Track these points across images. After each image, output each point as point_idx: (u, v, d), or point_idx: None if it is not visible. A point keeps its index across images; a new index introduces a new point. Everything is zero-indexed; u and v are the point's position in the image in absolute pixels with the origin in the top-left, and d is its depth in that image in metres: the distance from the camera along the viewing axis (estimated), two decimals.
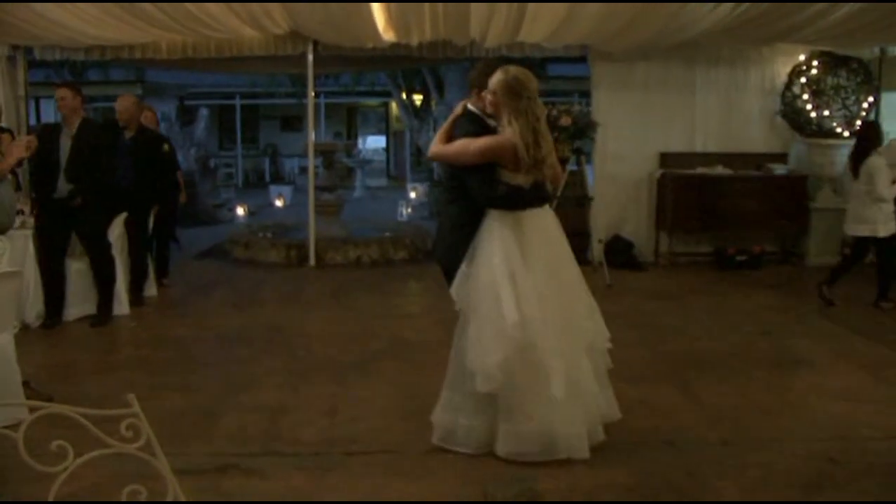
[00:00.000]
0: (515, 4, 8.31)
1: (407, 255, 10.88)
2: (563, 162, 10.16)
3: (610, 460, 4.31)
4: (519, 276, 4.21)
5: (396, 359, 6.31)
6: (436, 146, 4.52)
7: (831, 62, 10.11)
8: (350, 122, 29.18)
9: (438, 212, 10.15)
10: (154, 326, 7.51)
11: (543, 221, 4.42)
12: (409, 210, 16.06)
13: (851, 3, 7.87)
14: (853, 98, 10.06)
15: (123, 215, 7.75)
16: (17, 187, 7.09)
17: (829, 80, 10.09)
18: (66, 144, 7.11)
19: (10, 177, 5.69)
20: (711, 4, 8.10)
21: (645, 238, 10.52)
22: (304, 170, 19.11)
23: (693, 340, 6.89)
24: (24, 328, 6.94)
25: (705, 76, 10.47)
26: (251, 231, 12.05)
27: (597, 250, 9.64)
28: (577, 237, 9.87)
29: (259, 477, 4.15)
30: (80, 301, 7.46)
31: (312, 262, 10.34)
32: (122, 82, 19.08)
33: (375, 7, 8.50)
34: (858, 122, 10.03)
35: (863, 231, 7.88)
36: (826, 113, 10.03)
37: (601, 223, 9.92)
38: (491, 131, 4.36)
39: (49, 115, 18.53)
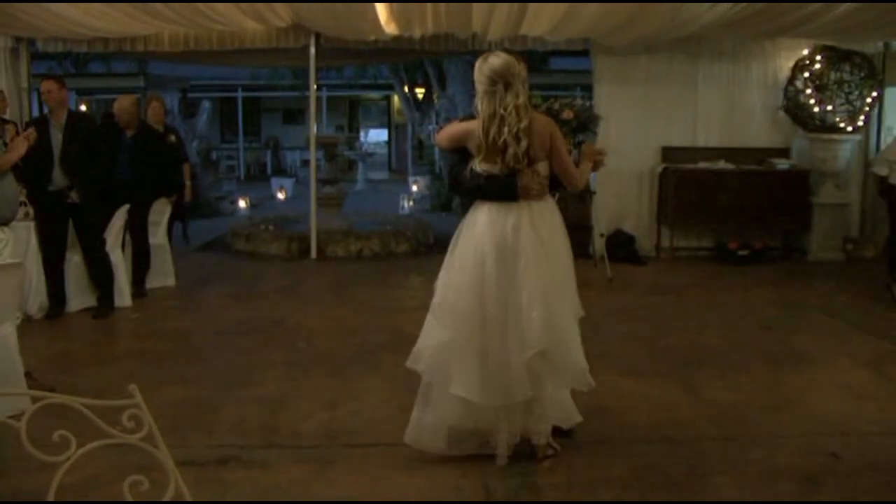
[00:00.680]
0: None
1: (408, 248, 10.88)
2: None
3: (610, 455, 4.32)
4: (469, 267, 4.19)
5: (397, 352, 6.25)
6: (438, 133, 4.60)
7: (835, 57, 10.08)
8: (352, 115, 29.15)
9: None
10: (155, 318, 7.52)
11: (527, 219, 4.16)
12: (411, 203, 16.05)
13: (847, 3, 7.85)
14: (856, 93, 10.03)
15: (125, 207, 7.73)
16: (20, 179, 7.08)
17: (833, 75, 10.06)
18: (56, 137, 7.11)
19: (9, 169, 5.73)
20: (708, 4, 8.09)
21: (646, 232, 10.52)
22: (305, 162, 19.07)
23: (694, 335, 6.89)
24: (27, 319, 6.95)
25: (708, 70, 10.46)
26: (253, 223, 12.05)
27: (598, 244, 9.65)
28: (579, 231, 9.89)
29: (259, 469, 4.16)
30: (82, 293, 7.48)
31: (314, 254, 10.35)
32: (125, 75, 19.06)
33: None
34: (861, 118, 10.03)
35: None
36: (829, 108, 10.00)
37: (603, 217, 9.92)
38: None
39: None
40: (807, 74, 10.11)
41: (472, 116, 4.30)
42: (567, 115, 9.95)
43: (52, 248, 7.21)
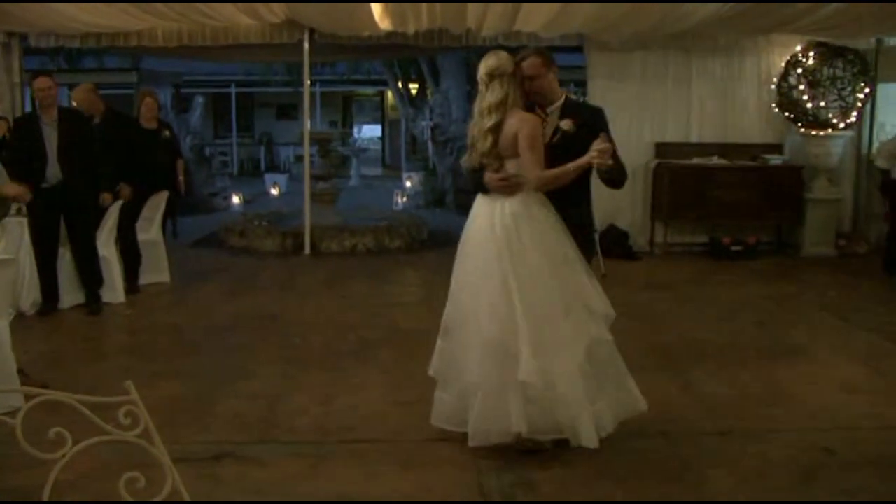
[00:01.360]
0: None
1: (402, 243, 10.88)
2: None
3: (605, 450, 4.31)
4: (459, 261, 4.37)
5: (392, 347, 6.32)
6: None
7: (827, 53, 10.09)
8: (345, 111, 29.11)
9: None
10: (149, 314, 7.51)
11: (499, 216, 4.19)
12: (405, 199, 16.04)
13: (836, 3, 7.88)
14: (849, 89, 10.04)
15: (118, 203, 7.70)
16: (13, 177, 7.06)
17: (825, 71, 10.07)
18: (50, 134, 7.05)
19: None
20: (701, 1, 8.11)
21: (640, 228, 10.53)
22: (299, 158, 19.04)
23: (688, 330, 6.90)
24: (20, 316, 6.94)
25: (702, 66, 10.47)
26: (246, 219, 12.02)
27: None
28: (573, 227, 9.91)
29: (255, 465, 4.16)
30: (75, 289, 7.44)
31: (308, 250, 10.34)
32: (117, 70, 18.99)
33: None
34: (854, 113, 10.05)
35: None
36: (822, 104, 10.01)
37: (597, 213, 9.82)
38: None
39: None
40: (800, 70, 10.12)
41: None
42: None
43: (45, 245, 7.17)
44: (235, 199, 15.82)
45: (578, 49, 10.60)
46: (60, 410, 2.27)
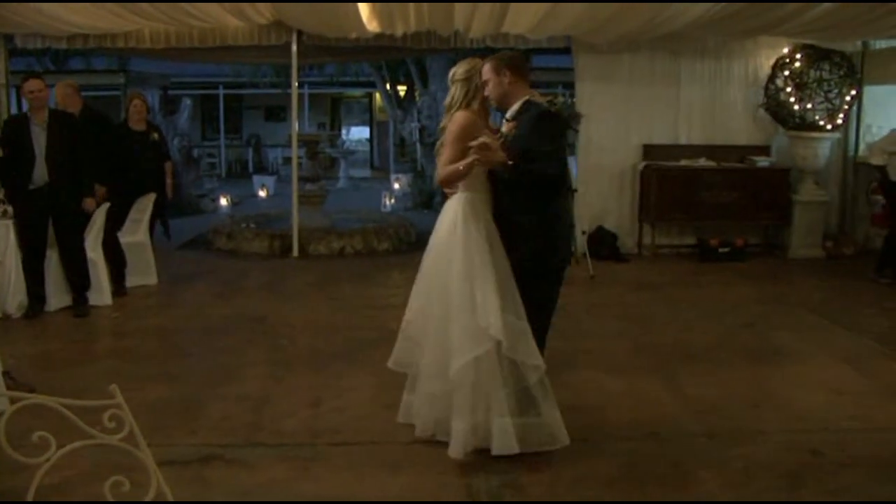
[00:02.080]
0: None
1: (390, 245, 10.86)
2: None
3: (593, 452, 4.33)
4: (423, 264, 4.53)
5: (380, 349, 6.24)
6: None
7: (814, 55, 10.13)
8: (334, 113, 29.06)
9: None
10: (137, 317, 7.47)
11: (456, 207, 4.31)
12: (393, 201, 16.03)
13: (825, 3, 7.90)
14: (836, 91, 10.08)
15: (105, 206, 7.66)
16: None
17: (812, 74, 10.11)
18: (39, 136, 7.03)
19: None
20: (688, 3, 8.12)
21: (628, 229, 10.55)
22: (287, 160, 18.95)
23: (676, 332, 6.92)
24: (6, 318, 6.90)
25: (689, 68, 10.50)
26: (234, 221, 11.99)
27: (580, 241, 9.67)
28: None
29: (242, 468, 4.14)
30: (62, 291, 7.41)
31: (296, 252, 10.31)
32: (105, 71, 18.92)
33: None
34: (841, 116, 10.09)
35: None
36: (809, 106, 10.05)
37: (585, 214, 9.94)
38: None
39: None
40: (787, 73, 10.16)
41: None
42: None
43: (32, 247, 7.15)
44: (223, 201, 15.77)
45: (567, 51, 10.62)
46: (46, 414, 2.26)
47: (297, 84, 10.69)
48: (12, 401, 2.28)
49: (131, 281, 8.30)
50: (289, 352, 6.32)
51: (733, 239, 10.14)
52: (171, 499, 2.44)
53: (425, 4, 8.59)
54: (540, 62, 19.25)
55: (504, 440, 4.06)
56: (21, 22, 9.04)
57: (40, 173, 7.03)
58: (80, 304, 7.37)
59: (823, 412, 5.00)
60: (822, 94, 10.08)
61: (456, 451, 4.11)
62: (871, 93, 10.51)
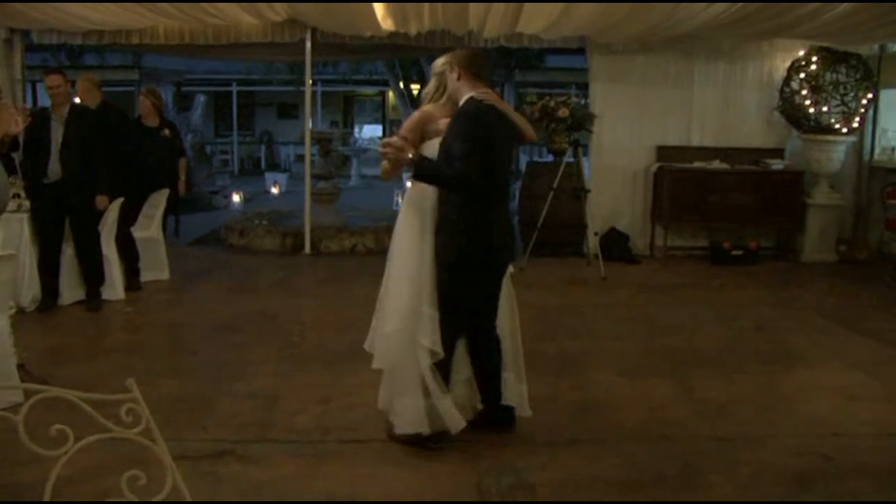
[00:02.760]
0: None
1: None
2: (559, 154, 10.20)
3: (604, 453, 4.33)
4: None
5: None
6: None
7: (830, 58, 10.08)
8: (346, 111, 29.12)
9: None
10: (149, 312, 7.51)
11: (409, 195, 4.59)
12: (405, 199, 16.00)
13: (844, 3, 7.86)
14: (852, 94, 10.04)
15: (119, 201, 7.70)
16: (13, 171, 7.05)
17: (828, 76, 10.07)
18: (57, 130, 7.08)
19: None
20: (703, 4, 8.09)
21: (640, 231, 10.54)
22: (299, 157, 19.05)
23: (687, 335, 6.90)
24: (20, 312, 6.93)
25: (704, 70, 10.48)
26: (246, 218, 12.02)
27: (592, 242, 9.66)
28: (573, 229, 9.93)
29: (254, 464, 4.16)
30: (76, 285, 7.45)
31: (308, 249, 10.33)
32: (119, 67, 18.98)
33: None
34: (856, 119, 10.05)
35: None
36: (824, 109, 10.01)
37: (597, 215, 9.92)
38: None
39: (46, 99, 18.41)
40: (802, 75, 10.12)
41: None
42: (563, 112, 10.01)
43: (46, 241, 7.19)
44: (235, 198, 15.81)
45: (581, 51, 10.62)
46: (60, 407, 2.27)
47: (310, 81, 10.71)
48: (27, 393, 2.29)
49: (144, 276, 8.33)
50: (299, 349, 6.33)
51: (746, 242, 10.12)
52: (187, 494, 2.45)
53: (440, 4, 8.59)
54: (554, 62, 19.30)
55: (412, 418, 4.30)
56: (39, 18, 9.09)
57: (54, 168, 7.08)
58: (92, 298, 7.41)
59: (835, 417, 4.98)
60: (838, 97, 10.04)
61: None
62: (888, 96, 10.47)
